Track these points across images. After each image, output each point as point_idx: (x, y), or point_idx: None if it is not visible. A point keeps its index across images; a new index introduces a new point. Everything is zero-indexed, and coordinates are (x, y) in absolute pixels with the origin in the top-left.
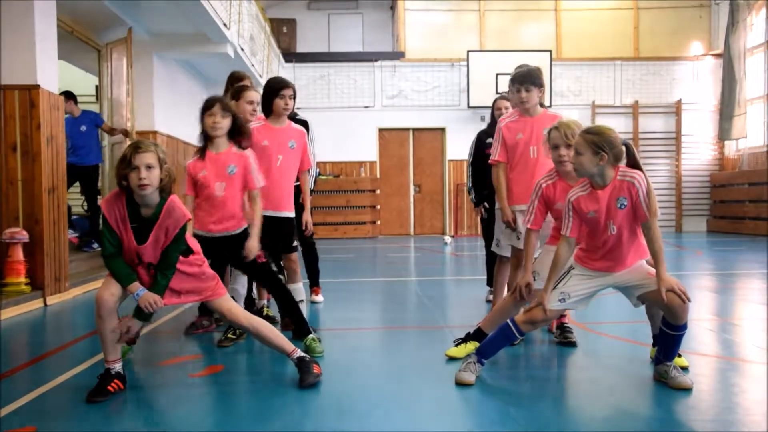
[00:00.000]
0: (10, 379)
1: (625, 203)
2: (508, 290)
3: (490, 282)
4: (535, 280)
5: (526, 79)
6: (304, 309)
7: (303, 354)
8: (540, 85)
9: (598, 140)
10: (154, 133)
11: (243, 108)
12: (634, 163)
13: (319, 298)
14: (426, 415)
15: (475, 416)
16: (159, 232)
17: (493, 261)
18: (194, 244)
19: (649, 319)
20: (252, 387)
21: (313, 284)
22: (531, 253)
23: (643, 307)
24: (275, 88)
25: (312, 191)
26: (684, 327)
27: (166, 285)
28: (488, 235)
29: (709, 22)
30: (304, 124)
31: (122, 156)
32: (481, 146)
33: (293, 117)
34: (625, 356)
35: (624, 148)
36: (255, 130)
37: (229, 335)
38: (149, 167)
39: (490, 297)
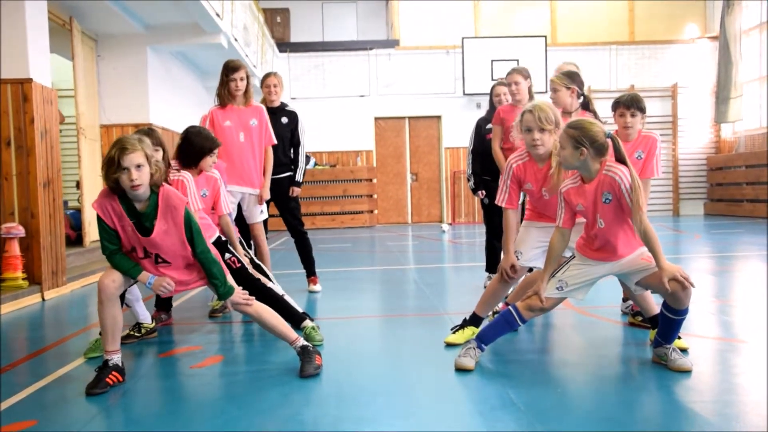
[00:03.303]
0: (10, 373)
1: (610, 198)
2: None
3: (489, 268)
4: (518, 258)
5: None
6: (291, 300)
7: (306, 343)
8: (526, 76)
9: (577, 135)
10: (149, 125)
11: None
12: (619, 157)
13: (317, 287)
14: (426, 401)
15: (475, 401)
16: (163, 222)
17: (492, 247)
18: None
19: (637, 304)
20: (252, 377)
21: (310, 274)
22: (511, 233)
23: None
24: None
25: (301, 182)
26: (686, 311)
27: (223, 284)
28: (489, 221)
29: (705, 4)
30: (293, 115)
31: (108, 158)
32: (481, 132)
33: (282, 108)
34: (623, 339)
35: (609, 141)
36: (215, 114)
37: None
38: (139, 166)
39: (488, 283)
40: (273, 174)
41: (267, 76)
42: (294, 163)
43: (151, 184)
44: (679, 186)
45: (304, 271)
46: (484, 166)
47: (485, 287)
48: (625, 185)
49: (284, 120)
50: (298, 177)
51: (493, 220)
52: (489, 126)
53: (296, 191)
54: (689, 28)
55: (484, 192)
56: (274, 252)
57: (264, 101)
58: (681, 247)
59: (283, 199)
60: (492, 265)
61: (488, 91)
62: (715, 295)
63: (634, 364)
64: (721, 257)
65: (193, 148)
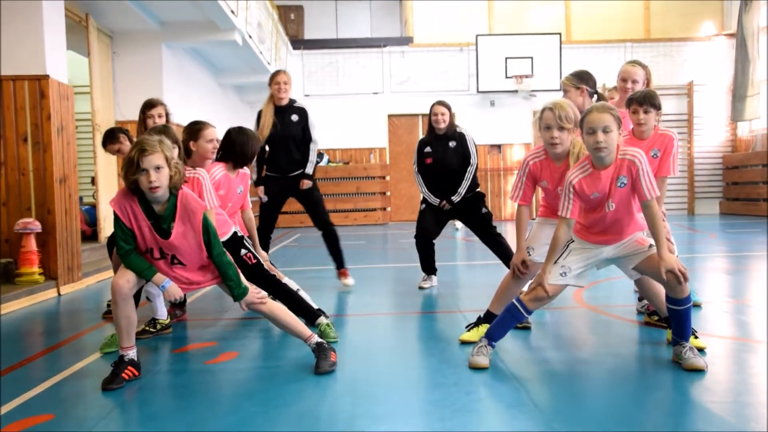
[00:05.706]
0: (27, 368)
1: (625, 182)
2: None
3: (424, 268)
4: (530, 255)
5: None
6: (306, 296)
7: (320, 340)
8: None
9: (618, 114)
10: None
11: (204, 147)
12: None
13: (350, 280)
14: (441, 399)
15: (491, 399)
16: (181, 225)
17: (422, 245)
18: None
19: (651, 303)
20: (267, 373)
21: (339, 266)
22: (523, 229)
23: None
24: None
25: (311, 175)
26: (687, 300)
27: (238, 285)
28: (419, 223)
29: (722, 1)
30: (303, 112)
31: (128, 159)
32: (422, 154)
33: (291, 105)
34: (638, 339)
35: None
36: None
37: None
38: (158, 168)
39: (424, 284)
40: (289, 172)
41: (276, 73)
42: (305, 158)
43: (170, 186)
44: (694, 185)
45: (334, 264)
46: (429, 185)
47: (419, 288)
48: (643, 167)
49: (294, 117)
50: (308, 170)
51: (422, 222)
52: (427, 149)
53: (306, 183)
54: (706, 25)
55: (445, 202)
56: (286, 250)
57: (272, 99)
58: (696, 246)
59: (303, 194)
60: (425, 266)
61: (502, 89)
62: (731, 295)
63: (649, 364)
64: (737, 257)
65: (247, 149)
